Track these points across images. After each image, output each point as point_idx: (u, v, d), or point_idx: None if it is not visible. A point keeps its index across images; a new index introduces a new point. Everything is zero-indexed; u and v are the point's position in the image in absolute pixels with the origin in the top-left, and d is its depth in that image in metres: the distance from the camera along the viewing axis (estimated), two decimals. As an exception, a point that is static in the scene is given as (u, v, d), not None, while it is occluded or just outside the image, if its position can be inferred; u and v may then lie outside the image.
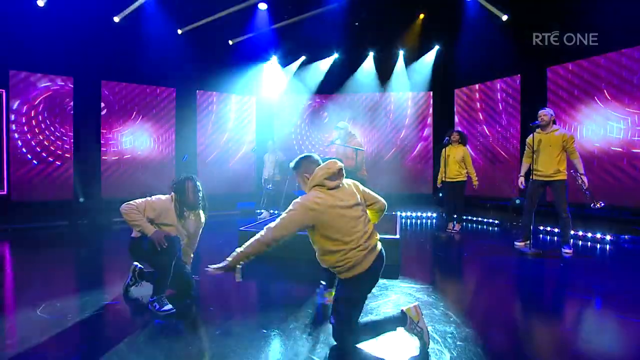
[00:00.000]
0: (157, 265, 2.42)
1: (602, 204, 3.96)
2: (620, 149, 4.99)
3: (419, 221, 6.68)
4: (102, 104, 6.54)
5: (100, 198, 6.46)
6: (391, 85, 7.87)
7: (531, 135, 4.06)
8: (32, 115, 5.92)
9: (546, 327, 2.27)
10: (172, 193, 2.58)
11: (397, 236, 3.58)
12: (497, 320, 2.33)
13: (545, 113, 4.02)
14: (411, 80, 7.78)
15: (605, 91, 5.17)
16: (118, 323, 2.30)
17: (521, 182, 4.26)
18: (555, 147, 3.92)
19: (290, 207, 1.85)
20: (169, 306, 2.31)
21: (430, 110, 7.82)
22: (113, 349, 1.87)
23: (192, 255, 2.78)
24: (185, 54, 7.03)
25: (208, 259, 3.12)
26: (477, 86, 7.04)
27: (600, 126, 5.20)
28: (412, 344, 1.87)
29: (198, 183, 2.62)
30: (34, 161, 5.95)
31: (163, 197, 2.58)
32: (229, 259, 1.83)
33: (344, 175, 2.01)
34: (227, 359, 1.79)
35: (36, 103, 5.96)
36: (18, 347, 1.92)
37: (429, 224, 6.45)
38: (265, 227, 1.85)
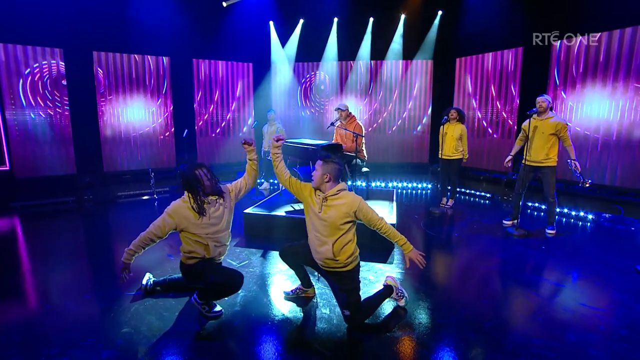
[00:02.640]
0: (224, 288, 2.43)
1: (590, 182, 4.20)
2: (613, 130, 5.10)
3: (414, 192, 6.93)
4: (95, 76, 6.36)
5: (103, 172, 6.56)
6: (391, 53, 7.65)
7: (527, 120, 4.15)
8: (25, 89, 5.79)
9: (505, 312, 2.58)
10: (185, 190, 2.42)
11: (394, 222, 3.82)
12: (466, 310, 2.64)
13: (544, 100, 4.07)
14: (412, 48, 7.55)
15: (607, 70, 5.14)
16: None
17: (508, 161, 4.42)
18: (547, 134, 4.03)
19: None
20: (218, 307, 2.44)
21: (431, 79, 7.69)
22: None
23: (227, 245, 2.62)
24: (178, 19, 6.70)
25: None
26: (479, 56, 6.88)
27: (598, 106, 5.25)
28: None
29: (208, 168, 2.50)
30: (33, 136, 5.94)
31: (177, 201, 2.44)
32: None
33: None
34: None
35: (28, 77, 5.80)
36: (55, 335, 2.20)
37: (424, 195, 6.70)
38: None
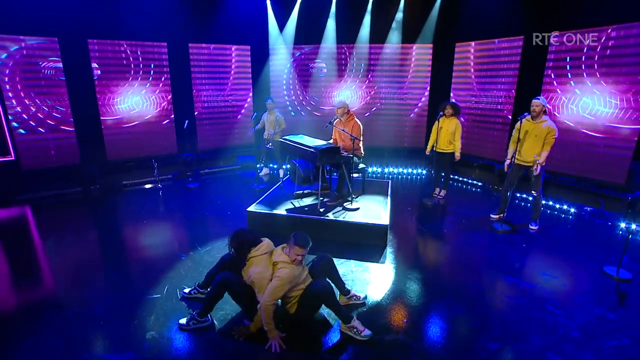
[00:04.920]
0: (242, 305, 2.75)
1: (536, 195, 4.41)
2: (600, 125, 5.26)
3: (409, 178, 7.18)
4: (93, 65, 6.31)
5: (107, 161, 6.72)
6: (391, 36, 7.53)
7: (519, 122, 4.28)
8: (23, 79, 5.79)
9: (481, 315, 2.94)
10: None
11: (387, 223, 4.11)
12: (448, 313, 3.00)
13: (538, 103, 4.17)
14: (412, 32, 7.42)
15: (601, 67, 5.19)
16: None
17: (507, 166, 4.60)
18: (539, 138, 4.19)
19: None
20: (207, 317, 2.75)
21: (430, 64, 7.64)
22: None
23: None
24: (173, 3, 6.52)
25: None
26: (479, 43, 6.81)
27: (590, 101, 5.35)
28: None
29: None
30: (36, 127, 6.03)
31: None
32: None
33: None
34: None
35: (24, 68, 5.77)
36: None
37: (418, 181, 6.97)
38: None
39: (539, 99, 4.21)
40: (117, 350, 2.50)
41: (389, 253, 3.93)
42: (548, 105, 4.59)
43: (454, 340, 2.63)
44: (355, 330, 2.60)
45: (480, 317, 2.87)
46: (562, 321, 2.79)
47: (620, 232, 4.51)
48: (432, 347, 2.55)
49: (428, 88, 7.78)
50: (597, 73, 5.23)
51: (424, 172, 7.36)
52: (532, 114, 4.20)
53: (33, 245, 4.26)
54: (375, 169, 7.41)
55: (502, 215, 4.74)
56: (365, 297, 3.08)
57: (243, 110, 8.17)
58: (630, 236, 4.18)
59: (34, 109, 5.97)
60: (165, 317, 2.85)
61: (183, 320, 2.73)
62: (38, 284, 3.42)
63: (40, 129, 6.06)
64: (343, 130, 4.58)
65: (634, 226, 4.48)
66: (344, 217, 4.21)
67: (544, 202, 5.38)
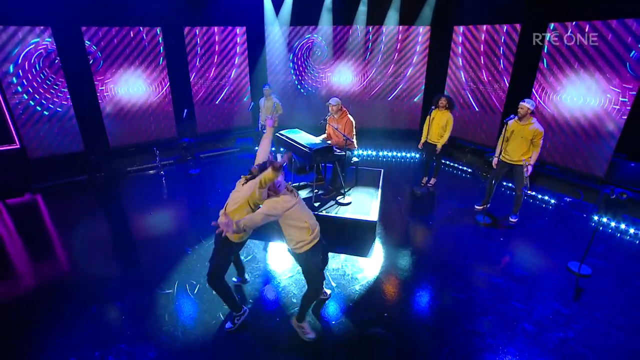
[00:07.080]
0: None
1: (533, 192, 4.70)
2: (586, 117, 5.42)
3: (403, 160, 7.42)
4: (88, 52, 6.29)
5: (109, 148, 6.90)
6: (388, 18, 7.38)
7: (506, 123, 4.44)
8: (21, 70, 5.82)
9: (448, 312, 3.36)
10: None
11: (376, 219, 4.44)
12: (417, 313, 3.41)
13: (523, 106, 4.31)
14: (410, 13, 7.27)
15: (594, 60, 5.24)
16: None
17: (495, 164, 4.85)
18: (525, 139, 4.38)
19: None
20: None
21: (427, 46, 7.56)
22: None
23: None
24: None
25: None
26: (477, 27, 6.71)
27: (582, 93, 5.46)
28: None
29: None
30: (38, 116, 6.15)
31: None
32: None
33: None
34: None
35: (21, 58, 5.77)
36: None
37: (412, 165, 7.21)
38: None
39: (525, 101, 4.33)
40: (139, 343, 2.94)
41: (377, 247, 4.30)
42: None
43: (429, 333, 3.06)
44: (303, 330, 2.95)
45: (453, 313, 3.28)
46: (522, 315, 3.22)
47: (593, 224, 4.86)
48: (408, 340, 2.98)
49: (425, 70, 7.77)
50: (585, 66, 5.30)
51: (417, 155, 7.57)
52: (519, 115, 4.36)
53: (52, 238, 4.62)
54: (369, 152, 7.62)
55: (485, 206, 5.06)
56: (331, 294, 3.49)
57: (241, 92, 8.20)
58: (600, 228, 4.58)
59: (35, 97, 6.05)
60: (178, 311, 3.27)
61: (229, 324, 3.04)
62: (63, 279, 3.81)
63: (42, 118, 6.19)
64: (336, 129, 4.75)
65: (605, 219, 4.83)
66: (336, 213, 4.53)
67: (527, 191, 5.69)
